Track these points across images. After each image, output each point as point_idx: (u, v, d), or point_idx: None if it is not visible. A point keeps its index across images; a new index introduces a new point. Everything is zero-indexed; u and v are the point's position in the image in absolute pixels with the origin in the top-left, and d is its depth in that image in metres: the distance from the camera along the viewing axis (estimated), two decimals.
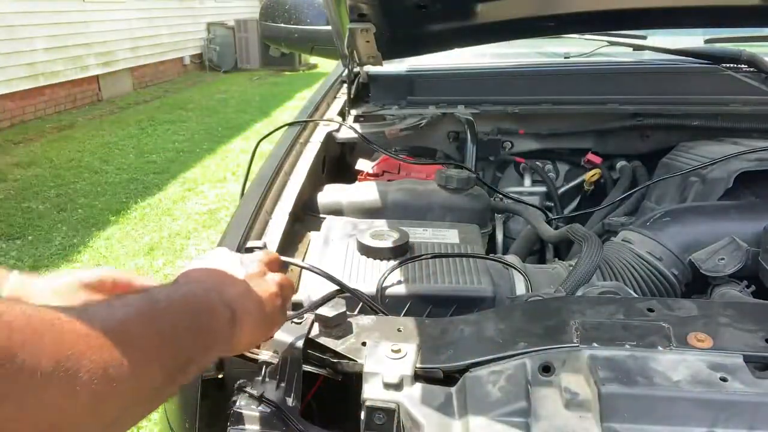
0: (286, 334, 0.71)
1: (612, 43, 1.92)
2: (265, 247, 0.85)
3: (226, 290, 0.58)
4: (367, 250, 0.93)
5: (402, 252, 0.94)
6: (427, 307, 0.85)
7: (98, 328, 0.42)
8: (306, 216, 1.18)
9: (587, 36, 1.94)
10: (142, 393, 0.46)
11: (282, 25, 1.87)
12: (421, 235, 1.03)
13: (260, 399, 0.65)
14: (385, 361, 0.65)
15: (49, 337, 0.38)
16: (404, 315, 0.81)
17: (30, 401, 0.37)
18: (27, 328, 0.38)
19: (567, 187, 1.71)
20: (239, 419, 0.64)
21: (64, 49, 6.96)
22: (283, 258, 0.75)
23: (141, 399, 0.46)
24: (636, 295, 0.91)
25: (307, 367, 0.69)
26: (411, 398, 0.61)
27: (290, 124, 1.50)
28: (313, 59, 10.16)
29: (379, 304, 0.81)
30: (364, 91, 1.73)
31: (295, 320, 0.74)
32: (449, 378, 0.65)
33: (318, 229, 1.07)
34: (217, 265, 0.63)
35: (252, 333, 0.60)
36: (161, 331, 0.48)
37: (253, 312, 0.59)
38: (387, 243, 0.93)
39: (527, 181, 1.71)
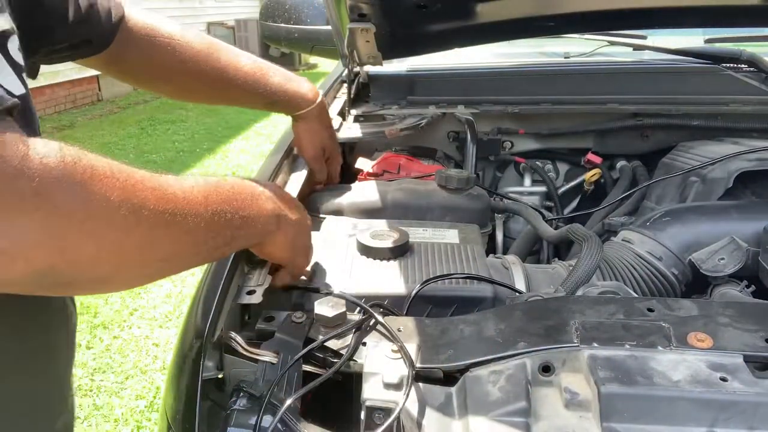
0: (287, 334, 0.71)
1: (612, 43, 1.92)
2: None
3: (279, 204, 0.75)
4: (367, 250, 0.93)
5: (402, 252, 0.94)
6: (427, 307, 0.85)
7: (164, 186, 0.55)
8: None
9: (587, 36, 1.94)
10: (185, 247, 0.59)
11: (282, 25, 1.87)
12: (421, 235, 1.02)
13: (260, 399, 0.65)
14: (385, 361, 0.65)
15: (120, 180, 0.50)
16: (404, 315, 0.81)
17: (101, 223, 0.48)
18: (106, 169, 0.49)
19: (567, 187, 1.71)
20: (239, 419, 0.64)
21: None
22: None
23: (183, 253, 0.59)
24: (636, 295, 0.91)
25: (307, 367, 0.69)
26: (411, 398, 0.61)
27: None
28: (313, 59, 10.16)
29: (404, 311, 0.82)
30: (364, 91, 1.73)
31: (295, 320, 0.74)
32: (449, 378, 0.65)
33: (318, 229, 1.07)
34: (281, 191, 0.80)
35: (281, 248, 0.76)
36: (217, 207, 0.61)
37: (290, 233, 0.76)
38: (387, 243, 0.93)
39: (527, 181, 1.71)
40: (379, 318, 0.72)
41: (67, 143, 0.49)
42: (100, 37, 0.87)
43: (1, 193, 0.42)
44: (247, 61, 1.08)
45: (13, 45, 0.66)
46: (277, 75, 1.12)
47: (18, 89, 0.63)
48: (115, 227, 0.50)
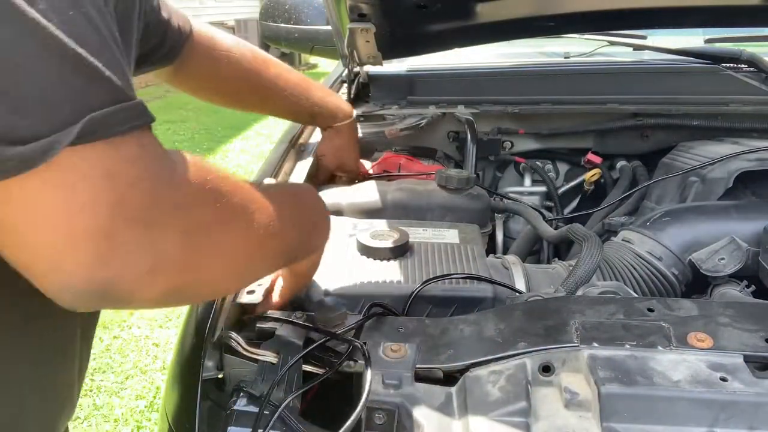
0: (287, 334, 0.71)
1: (612, 43, 1.92)
2: None
3: (321, 219, 0.75)
4: (367, 250, 0.93)
5: (402, 252, 0.94)
6: (427, 307, 0.85)
7: (270, 198, 0.57)
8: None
9: (587, 36, 1.94)
10: (276, 253, 0.61)
11: (282, 25, 1.87)
12: (421, 235, 1.02)
13: (260, 399, 0.65)
14: (385, 361, 0.65)
15: (240, 192, 0.52)
16: (404, 315, 0.81)
17: (232, 238, 0.50)
18: (231, 183, 0.51)
19: (567, 187, 1.71)
20: (239, 419, 0.64)
21: None
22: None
23: (272, 258, 0.62)
24: (636, 295, 0.91)
25: (307, 367, 0.69)
26: (411, 398, 0.61)
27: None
28: (313, 59, 10.16)
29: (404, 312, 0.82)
30: (364, 91, 1.73)
31: (295, 320, 0.74)
32: (449, 378, 0.65)
33: None
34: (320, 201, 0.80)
35: (309, 265, 0.78)
36: (297, 220, 0.65)
37: (320, 250, 0.77)
38: (387, 243, 0.93)
39: (527, 181, 1.71)
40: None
41: (190, 153, 0.49)
42: (173, 50, 0.91)
43: (147, 207, 0.41)
44: (295, 76, 1.16)
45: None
46: (318, 89, 1.22)
47: None
48: (243, 241, 0.52)
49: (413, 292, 0.82)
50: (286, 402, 0.63)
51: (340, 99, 1.28)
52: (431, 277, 0.85)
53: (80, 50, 0.39)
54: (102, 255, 0.40)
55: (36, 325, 0.58)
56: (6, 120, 0.36)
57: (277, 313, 0.76)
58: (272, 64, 1.12)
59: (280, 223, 0.57)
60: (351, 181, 1.34)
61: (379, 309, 0.77)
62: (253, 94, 1.13)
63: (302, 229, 0.67)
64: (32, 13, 0.37)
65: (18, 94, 0.36)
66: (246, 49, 1.08)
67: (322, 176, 1.32)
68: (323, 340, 0.70)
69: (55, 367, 0.65)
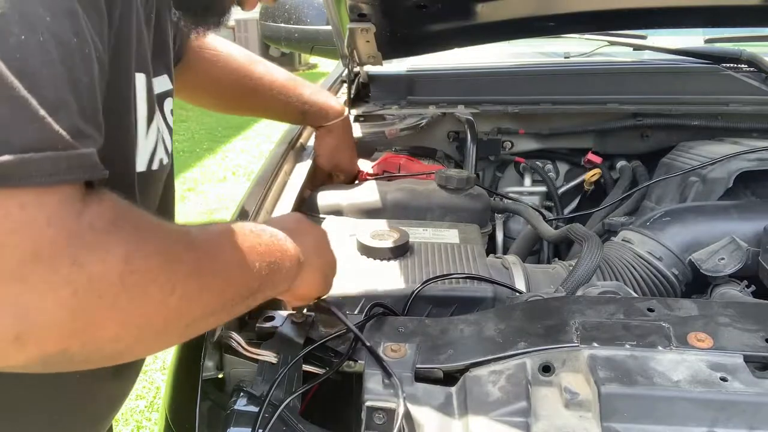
0: (287, 334, 0.71)
1: (612, 43, 1.92)
2: None
3: (299, 239, 0.64)
4: (367, 250, 0.93)
5: (402, 252, 0.94)
6: (427, 307, 0.85)
7: (197, 243, 0.50)
8: (306, 216, 1.18)
9: (587, 36, 1.94)
10: (212, 309, 0.51)
11: (282, 25, 1.87)
12: (421, 235, 1.02)
13: (260, 399, 0.65)
14: (385, 361, 0.65)
15: (160, 242, 0.45)
16: (404, 315, 0.81)
17: (136, 297, 0.42)
18: (148, 231, 0.45)
19: (567, 187, 1.71)
20: (239, 419, 0.64)
21: None
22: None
23: (209, 315, 0.51)
24: (636, 295, 0.91)
25: (307, 367, 0.69)
26: (411, 398, 0.61)
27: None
28: (313, 59, 10.16)
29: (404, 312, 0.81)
30: (364, 91, 1.73)
31: (295, 320, 0.74)
32: (449, 378, 0.65)
33: None
34: (294, 220, 0.71)
35: (309, 286, 0.67)
36: (242, 259, 0.54)
37: (316, 267, 0.68)
38: (387, 243, 0.93)
39: (527, 181, 1.71)
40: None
41: (119, 195, 0.43)
42: (179, 50, 0.91)
43: (37, 262, 0.37)
44: (282, 74, 1.14)
45: (168, 106, 0.67)
46: (307, 87, 1.19)
47: (164, 158, 0.64)
48: (149, 300, 0.43)
49: (413, 292, 0.82)
50: (286, 402, 0.63)
51: (330, 97, 1.26)
52: (431, 277, 0.85)
53: (13, 83, 0.35)
54: None
55: None
56: None
57: (278, 313, 0.77)
58: (259, 62, 1.11)
59: (214, 269, 0.50)
60: (349, 181, 1.34)
61: (379, 309, 0.76)
62: (243, 93, 1.11)
63: (252, 264, 0.55)
64: None
65: None
66: (232, 47, 1.07)
67: (319, 177, 1.32)
68: (324, 339, 0.70)
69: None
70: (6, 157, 0.35)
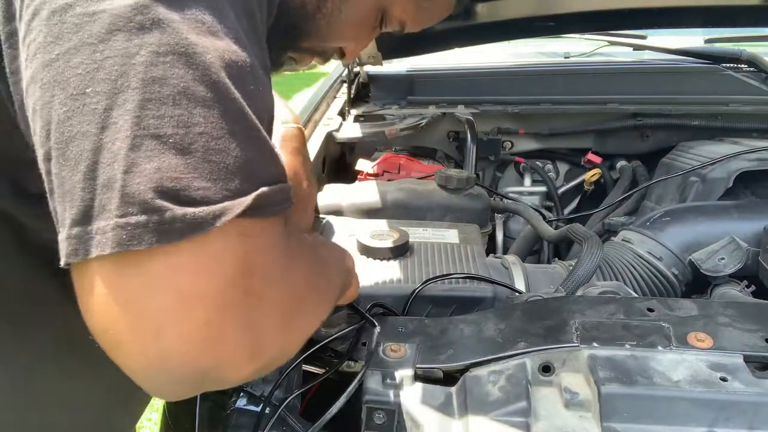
0: None
1: (612, 43, 1.93)
2: None
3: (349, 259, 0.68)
4: (367, 250, 0.93)
5: (402, 252, 0.94)
6: (427, 307, 0.85)
7: (314, 254, 0.53)
8: None
9: (587, 36, 1.95)
10: (324, 314, 0.54)
11: None
12: (421, 235, 1.02)
13: (260, 399, 0.65)
14: (385, 361, 0.65)
15: (315, 263, 0.51)
16: (404, 315, 0.81)
17: (307, 306, 0.48)
18: (310, 254, 0.51)
19: (567, 187, 1.71)
20: (239, 419, 0.64)
21: None
22: None
23: (318, 312, 0.54)
24: (636, 295, 0.91)
25: (307, 367, 0.69)
26: (411, 398, 0.61)
27: None
28: None
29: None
30: (364, 91, 1.73)
31: None
32: (449, 378, 0.65)
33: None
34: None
35: (355, 285, 0.70)
36: (329, 272, 0.58)
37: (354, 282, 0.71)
38: (387, 243, 0.93)
39: (527, 181, 1.71)
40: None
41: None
42: None
43: (263, 291, 0.39)
44: None
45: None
46: None
47: None
48: (325, 309, 0.52)
49: (413, 292, 0.82)
50: (286, 402, 0.63)
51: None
52: (431, 277, 0.85)
53: (258, 125, 0.38)
54: (211, 328, 0.36)
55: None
56: (183, 176, 0.34)
57: None
58: None
59: (333, 277, 0.57)
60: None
61: (379, 309, 0.76)
62: None
63: (337, 266, 0.62)
64: (226, 83, 0.37)
65: (201, 155, 0.35)
66: None
67: None
68: (326, 341, 0.70)
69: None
70: (264, 189, 0.38)
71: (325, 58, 0.71)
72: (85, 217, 0.34)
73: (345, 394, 0.61)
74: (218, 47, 0.37)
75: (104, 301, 0.35)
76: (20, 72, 0.37)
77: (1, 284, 0.51)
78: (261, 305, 0.39)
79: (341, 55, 0.71)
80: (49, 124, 0.35)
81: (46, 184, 0.37)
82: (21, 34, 0.37)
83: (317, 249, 0.55)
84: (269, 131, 0.41)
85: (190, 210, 0.34)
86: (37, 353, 0.56)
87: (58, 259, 0.35)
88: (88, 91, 0.34)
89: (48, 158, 0.35)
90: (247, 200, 0.36)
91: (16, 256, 0.51)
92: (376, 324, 0.71)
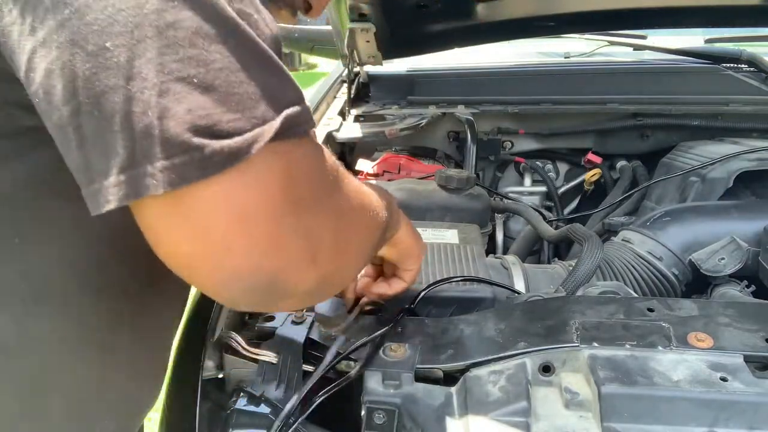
0: (287, 334, 0.71)
1: (612, 43, 1.93)
2: None
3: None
4: None
5: None
6: (426, 307, 0.84)
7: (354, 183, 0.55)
8: None
9: (587, 36, 1.95)
10: (371, 245, 0.61)
11: (282, 24, 1.87)
12: (421, 235, 1.02)
13: (260, 399, 0.65)
14: (385, 361, 0.65)
15: (351, 179, 0.52)
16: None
17: (355, 214, 0.53)
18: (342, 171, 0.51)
19: (567, 187, 1.71)
20: (239, 419, 0.64)
21: None
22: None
23: (369, 249, 0.61)
24: (636, 295, 0.91)
25: (307, 367, 0.69)
26: (411, 398, 0.61)
27: None
28: (313, 59, 10.15)
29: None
30: (364, 91, 1.73)
31: (295, 320, 0.74)
32: (449, 378, 0.65)
33: None
34: None
35: (412, 238, 0.75)
36: (386, 213, 0.62)
37: (408, 222, 0.74)
38: None
39: (527, 181, 1.71)
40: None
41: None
42: None
43: (312, 197, 0.43)
44: None
45: None
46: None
47: None
48: (366, 222, 0.55)
49: (418, 295, 0.82)
50: (290, 404, 0.62)
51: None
52: (433, 279, 0.85)
53: (270, 53, 0.41)
54: (272, 237, 0.40)
55: (158, 298, 0.60)
56: (213, 112, 0.37)
57: (278, 314, 0.76)
58: None
59: (375, 203, 0.58)
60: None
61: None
62: None
63: (384, 203, 0.64)
64: (233, 16, 0.39)
65: (225, 89, 0.38)
66: None
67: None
68: (355, 347, 0.70)
69: (165, 341, 0.66)
70: (288, 112, 0.40)
71: (292, 10, 0.72)
72: (131, 163, 0.36)
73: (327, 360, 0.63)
74: None
75: (172, 236, 0.40)
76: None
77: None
78: (312, 213, 0.43)
79: (307, 7, 0.73)
80: (74, 81, 0.36)
81: (63, 140, 0.39)
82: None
83: (359, 185, 0.57)
84: (280, 57, 0.43)
85: (225, 142, 0.37)
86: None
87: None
88: (107, 45, 0.36)
89: (76, 113, 0.37)
90: (275, 124, 0.39)
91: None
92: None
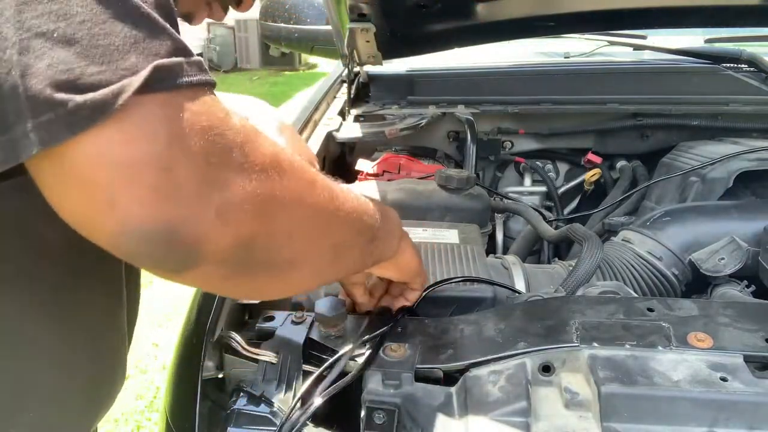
0: (287, 334, 0.71)
1: (612, 43, 1.92)
2: None
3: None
4: None
5: None
6: (426, 307, 0.84)
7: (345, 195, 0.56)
8: None
9: (587, 36, 1.94)
10: (350, 248, 0.59)
11: (282, 25, 1.87)
12: (421, 235, 1.02)
13: (260, 399, 0.65)
14: (385, 361, 0.65)
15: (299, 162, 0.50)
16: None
17: (299, 194, 0.49)
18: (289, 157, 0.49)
19: (567, 186, 1.71)
20: (239, 419, 0.64)
21: None
22: None
23: (348, 253, 0.59)
24: (636, 295, 0.91)
25: (307, 367, 0.69)
26: (411, 398, 0.61)
27: None
28: (313, 59, 10.15)
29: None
30: (364, 91, 1.73)
31: (295, 320, 0.74)
32: (449, 378, 0.65)
33: None
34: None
35: (411, 255, 0.72)
36: (361, 207, 0.59)
37: (410, 240, 0.73)
38: None
39: (527, 181, 1.71)
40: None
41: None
42: None
43: (209, 148, 0.40)
44: None
45: None
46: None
47: None
48: (310, 203, 0.50)
49: (420, 296, 0.82)
50: (292, 404, 0.62)
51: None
52: (433, 279, 0.85)
53: (141, 5, 0.39)
54: (160, 188, 0.38)
55: (83, 284, 0.59)
56: (75, 66, 0.36)
57: (278, 313, 0.77)
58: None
59: (344, 196, 0.55)
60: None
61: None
62: None
63: (371, 211, 0.62)
64: None
65: (87, 42, 0.36)
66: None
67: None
68: (359, 342, 0.70)
69: (103, 328, 0.65)
70: (161, 61, 0.38)
71: (222, 3, 0.71)
72: (5, 126, 0.36)
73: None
74: None
75: (62, 194, 0.39)
76: None
77: None
78: (214, 163, 0.40)
79: (238, 1, 0.72)
80: None
81: None
82: None
83: (314, 174, 0.54)
84: (170, 20, 0.41)
85: (89, 96, 0.36)
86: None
87: None
88: None
89: None
90: (144, 74, 0.37)
91: None
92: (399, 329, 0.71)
